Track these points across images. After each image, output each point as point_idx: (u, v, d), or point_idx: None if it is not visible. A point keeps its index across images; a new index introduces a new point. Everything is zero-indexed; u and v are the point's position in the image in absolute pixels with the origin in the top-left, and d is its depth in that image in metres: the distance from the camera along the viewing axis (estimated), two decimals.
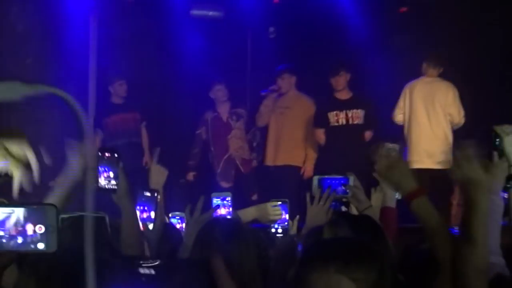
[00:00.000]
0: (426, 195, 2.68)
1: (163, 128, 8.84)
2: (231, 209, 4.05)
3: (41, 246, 1.77)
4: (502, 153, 3.13)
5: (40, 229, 1.75)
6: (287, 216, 4.19)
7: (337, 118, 7.80)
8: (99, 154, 3.05)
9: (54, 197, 2.65)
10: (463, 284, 2.38)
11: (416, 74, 7.73)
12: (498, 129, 3.17)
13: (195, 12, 8.74)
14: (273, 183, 7.72)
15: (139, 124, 8.27)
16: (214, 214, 3.64)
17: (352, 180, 4.06)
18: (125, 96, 8.13)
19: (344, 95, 7.73)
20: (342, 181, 4.10)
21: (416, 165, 6.75)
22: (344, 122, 7.71)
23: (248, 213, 3.97)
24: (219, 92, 8.06)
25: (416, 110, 7.33)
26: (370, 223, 3.23)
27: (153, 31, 8.71)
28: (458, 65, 7.87)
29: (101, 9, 8.47)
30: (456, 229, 3.06)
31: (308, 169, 7.85)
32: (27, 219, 1.76)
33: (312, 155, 7.94)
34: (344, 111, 7.74)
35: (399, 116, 7.47)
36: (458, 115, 7.35)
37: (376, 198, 4.29)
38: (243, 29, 9.11)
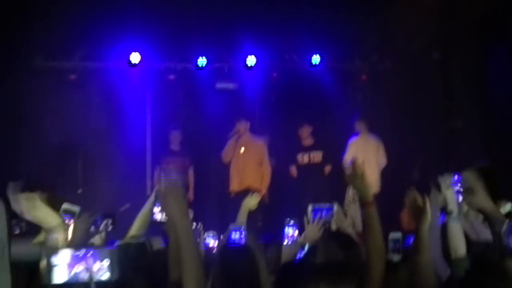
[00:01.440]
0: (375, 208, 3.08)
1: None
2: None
3: (106, 275, 2.32)
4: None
5: (107, 262, 2.28)
6: (295, 233, 4.48)
7: (303, 158, 9.65)
8: (156, 194, 3.66)
9: None
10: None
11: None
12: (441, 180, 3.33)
13: (219, 85, 10.69)
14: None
15: (188, 167, 9.65)
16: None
17: (336, 207, 4.60)
18: (180, 143, 9.71)
19: (308, 141, 9.68)
20: (329, 209, 4.58)
21: None
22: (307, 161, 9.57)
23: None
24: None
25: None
26: (350, 240, 3.91)
27: (188, 99, 10.63)
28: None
29: (153, 86, 10.73)
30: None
31: (263, 193, 8.91)
32: (96, 257, 2.29)
33: (265, 184, 9.25)
34: (308, 153, 9.63)
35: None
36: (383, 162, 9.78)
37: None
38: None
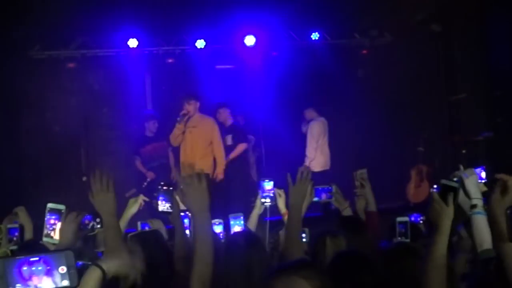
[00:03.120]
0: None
1: None
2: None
3: (65, 283, 2.03)
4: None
5: (63, 270, 2.02)
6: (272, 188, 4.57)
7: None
8: (159, 187, 3.61)
9: None
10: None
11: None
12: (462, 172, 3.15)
13: (219, 66, 10.84)
14: None
15: (167, 149, 9.37)
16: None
17: (334, 188, 4.79)
18: (155, 131, 9.39)
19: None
20: (328, 189, 4.79)
21: None
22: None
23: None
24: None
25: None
26: (358, 222, 4.16)
27: (187, 82, 10.37)
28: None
29: (152, 71, 10.75)
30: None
31: (218, 174, 8.70)
32: (52, 264, 2.02)
33: (221, 162, 8.74)
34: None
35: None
36: None
37: (360, 203, 4.88)
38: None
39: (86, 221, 4.28)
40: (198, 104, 8.82)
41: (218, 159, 8.81)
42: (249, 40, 10.50)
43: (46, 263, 2.00)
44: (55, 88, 10.10)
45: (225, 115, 9.25)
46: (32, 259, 1.99)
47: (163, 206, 3.60)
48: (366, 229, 4.11)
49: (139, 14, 9.48)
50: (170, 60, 10.78)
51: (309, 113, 9.56)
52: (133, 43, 10.24)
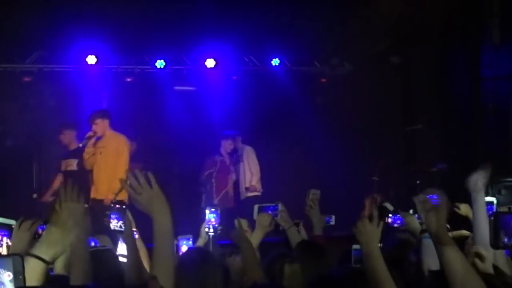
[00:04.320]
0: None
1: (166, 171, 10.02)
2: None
3: None
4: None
5: (9, 276, 1.95)
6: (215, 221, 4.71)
7: None
8: (111, 205, 3.45)
9: None
10: None
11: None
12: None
13: (178, 87, 10.68)
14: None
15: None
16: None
17: (280, 206, 4.78)
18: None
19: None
20: (274, 208, 4.80)
21: None
22: None
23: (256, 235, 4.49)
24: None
25: None
26: (316, 247, 4.17)
27: (146, 101, 10.41)
28: None
29: (110, 89, 10.48)
30: None
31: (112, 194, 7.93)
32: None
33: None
34: None
35: None
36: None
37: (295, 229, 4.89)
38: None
39: (40, 231, 4.26)
40: (106, 121, 8.39)
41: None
42: (210, 63, 10.46)
43: None
44: (9, 101, 9.86)
45: (71, 137, 8.85)
46: None
47: (115, 224, 3.45)
48: (324, 255, 4.11)
49: (99, 31, 9.38)
50: (129, 79, 10.64)
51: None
52: (91, 59, 10.10)
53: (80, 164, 8.69)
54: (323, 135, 10.53)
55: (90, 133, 8.29)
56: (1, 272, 1.92)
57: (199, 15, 9.17)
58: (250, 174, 9.91)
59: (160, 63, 10.39)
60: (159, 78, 10.57)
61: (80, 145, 8.31)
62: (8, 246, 3.20)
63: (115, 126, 9.56)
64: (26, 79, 10.24)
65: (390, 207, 2.91)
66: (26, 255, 2.28)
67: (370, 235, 2.77)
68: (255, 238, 4.41)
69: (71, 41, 9.70)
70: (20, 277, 1.94)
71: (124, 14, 9.07)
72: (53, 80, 10.30)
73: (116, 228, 3.43)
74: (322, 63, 11.12)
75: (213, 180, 9.66)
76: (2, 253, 3.17)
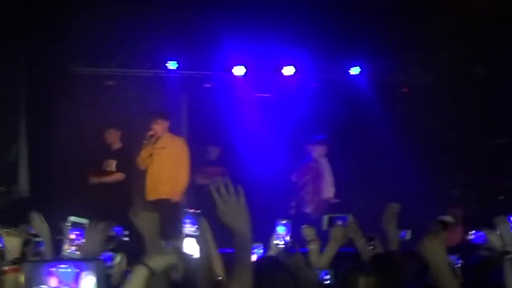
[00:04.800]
0: None
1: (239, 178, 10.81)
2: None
3: None
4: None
5: (92, 279, 2.04)
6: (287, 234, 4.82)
7: None
8: (186, 210, 3.62)
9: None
10: None
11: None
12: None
13: (256, 94, 10.71)
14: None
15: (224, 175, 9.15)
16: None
17: (350, 217, 4.85)
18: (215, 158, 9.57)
19: None
20: (344, 218, 4.87)
21: None
22: None
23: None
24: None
25: None
26: (391, 262, 4.06)
27: (224, 107, 10.37)
28: None
29: (189, 94, 10.75)
30: None
31: (175, 195, 8.30)
32: (78, 275, 2.02)
33: (181, 184, 8.33)
34: None
35: None
36: None
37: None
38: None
39: (114, 233, 4.27)
40: (167, 123, 8.48)
41: (179, 180, 8.36)
42: (288, 70, 10.44)
43: (77, 268, 1.98)
44: (92, 104, 10.09)
45: (116, 137, 8.98)
46: (62, 265, 1.96)
47: (189, 229, 3.50)
48: (399, 270, 3.97)
49: (180, 37, 9.49)
50: (207, 85, 10.76)
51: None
52: (172, 65, 10.27)
53: (120, 166, 8.78)
54: (401, 145, 10.25)
55: (151, 132, 8.34)
56: (86, 274, 1.98)
57: (280, 23, 9.14)
58: (328, 185, 9.73)
59: (239, 70, 10.42)
60: (237, 84, 10.61)
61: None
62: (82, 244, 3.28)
63: (193, 131, 10.05)
64: (109, 83, 10.50)
65: (451, 220, 2.85)
66: (138, 263, 2.37)
67: (435, 253, 2.70)
68: (330, 250, 4.39)
69: (153, 46, 9.86)
70: (102, 280, 2.01)
71: (204, 20, 9.13)
72: (134, 84, 10.48)
73: (191, 233, 3.48)
74: (403, 73, 10.91)
75: (309, 187, 9.44)
76: (78, 252, 3.30)
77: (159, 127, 8.38)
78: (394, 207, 4.85)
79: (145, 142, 8.33)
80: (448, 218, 2.86)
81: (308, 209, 9.12)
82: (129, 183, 8.92)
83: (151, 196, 8.38)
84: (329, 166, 9.75)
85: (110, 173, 8.83)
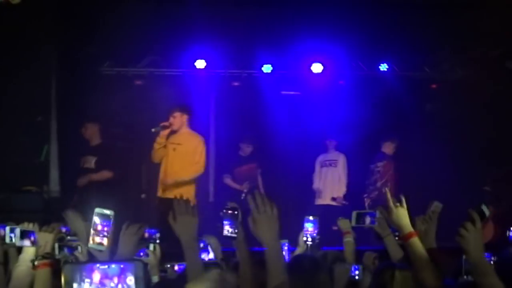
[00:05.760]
0: (418, 236, 3.25)
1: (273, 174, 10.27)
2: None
3: None
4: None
5: (130, 280, 2.02)
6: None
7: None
8: (224, 210, 3.39)
9: None
10: None
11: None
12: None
13: (284, 92, 10.87)
14: (162, 214, 6.40)
15: (257, 171, 9.54)
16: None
17: (378, 213, 4.61)
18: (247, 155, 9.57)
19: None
20: (372, 214, 4.75)
21: None
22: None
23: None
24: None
25: None
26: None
27: (252, 105, 10.55)
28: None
29: (217, 93, 10.85)
30: None
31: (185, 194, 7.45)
32: (122, 272, 2.02)
33: (189, 181, 7.88)
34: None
35: None
36: None
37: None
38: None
39: (146, 234, 4.25)
40: (185, 117, 7.99)
41: (190, 178, 7.91)
42: (317, 68, 10.42)
43: (118, 268, 2.01)
44: (121, 104, 10.19)
45: (93, 131, 8.46)
46: (101, 266, 1.99)
47: (228, 230, 3.42)
48: (433, 265, 3.83)
49: (209, 36, 9.55)
50: (235, 83, 10.81)
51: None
52: (200, 64, 10.31)
53: (99, 163, 8.39)
54: (430, 142, 10.26)
55: (165, 123, 7.91)
56: (127, 275, 2.00)
57: (307, 20, 9.14)
58: (340, 184, 9.77)
59: (267, 68, 10.44)
60: (265, 82, 10.64)
61: (153, 130, 7.93)
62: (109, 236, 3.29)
63: (221, 129, 10.03)
64: (138, 82, 10.58)
65: (486, 210, 2.77)
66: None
67: (473, 241, 2.62)
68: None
69: (182, 45, 9.96)
70: (141, 282, 2.02)
71: (233, 19, 9.18)
72: (163, 83, 10.53)
73: (229, 234, 3.40)
74: (432, 69, 10.82)
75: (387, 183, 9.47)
76: (104, 243, 3.25)
77: (176, 120, 7.95)
78: (437, 206, 4.74)
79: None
80: (487, 210, 2.82)
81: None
82: (118, 180, 8.62)
83: (165, 194, 7.96)
84: (345, 166, 9.78)
85: (97, 171, 8.43)
